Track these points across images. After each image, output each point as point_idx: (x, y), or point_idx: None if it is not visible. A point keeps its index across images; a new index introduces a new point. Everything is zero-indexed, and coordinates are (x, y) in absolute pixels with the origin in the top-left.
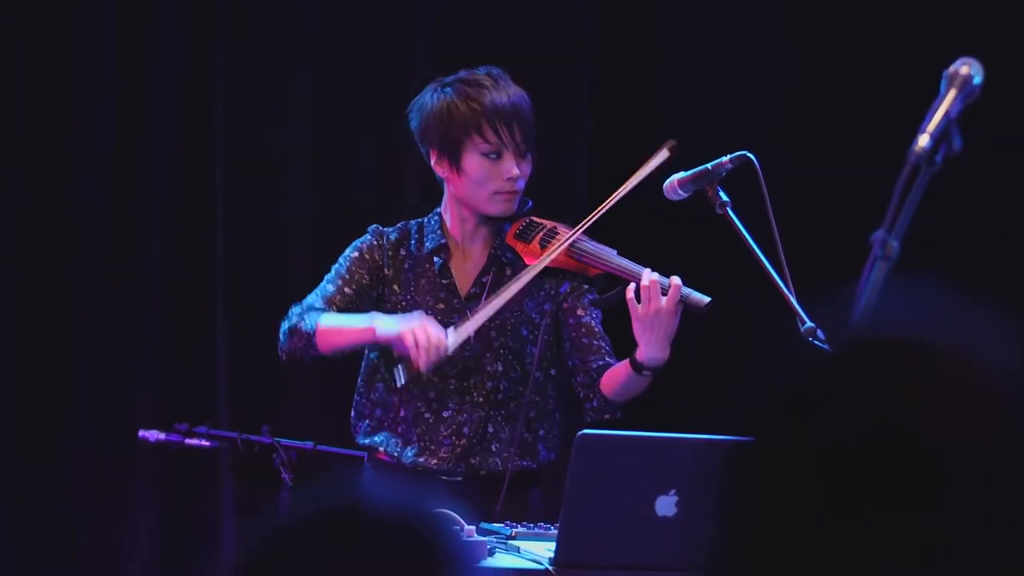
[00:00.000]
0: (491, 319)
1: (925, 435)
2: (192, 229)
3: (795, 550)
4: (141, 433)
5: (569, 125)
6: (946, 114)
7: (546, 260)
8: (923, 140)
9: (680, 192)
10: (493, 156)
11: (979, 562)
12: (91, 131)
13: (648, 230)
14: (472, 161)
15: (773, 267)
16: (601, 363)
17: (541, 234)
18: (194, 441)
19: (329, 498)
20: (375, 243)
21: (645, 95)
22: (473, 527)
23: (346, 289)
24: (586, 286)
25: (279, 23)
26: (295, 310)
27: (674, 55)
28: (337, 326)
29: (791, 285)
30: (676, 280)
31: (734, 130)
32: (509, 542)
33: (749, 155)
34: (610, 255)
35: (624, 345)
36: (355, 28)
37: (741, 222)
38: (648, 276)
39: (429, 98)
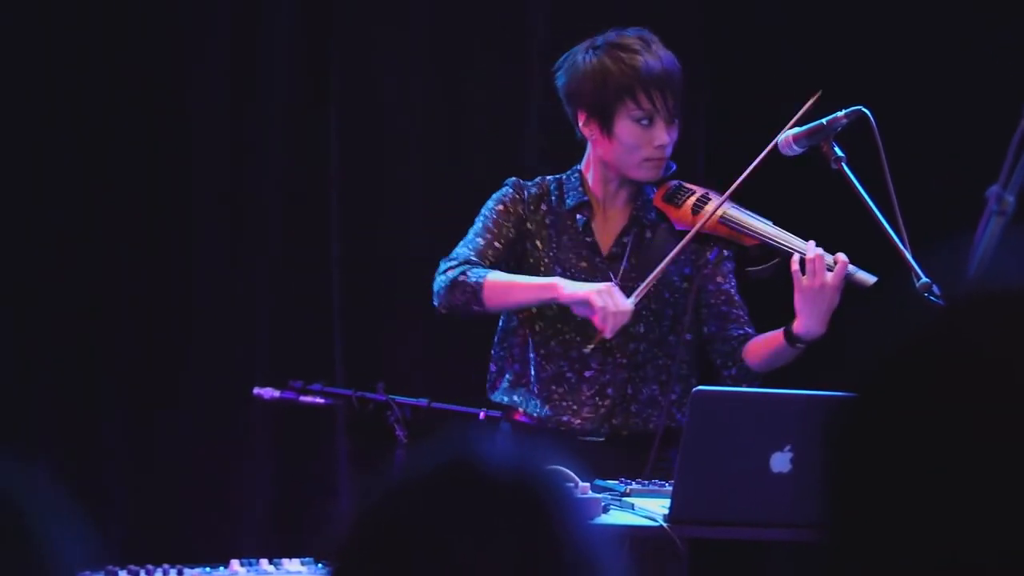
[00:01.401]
0: (634, 281)
1: None
2: (306, 188)
3: (908, 508)
4: (256, 391)
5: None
6: None
7: (702, 224)
8: None
9: (795, 148)
10: (645, 122)
11: None
12: (206, 91)
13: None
14: (624, 126)
15: (888, 223)
16: (741, 332)
17: (692, 199)
18: (309, 399)
19: (443, 454)
20: (516, 196)
21: (759, 49)
22: (587, 484)
23: (496, 243)
24: (727, 253)
25: None
26: (448, 263)
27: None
28: (512, 281)
29: (906, 241)
30: (843, 257)
31: (848, 86)
32: (623, 499)
33: (864, 110)
34: (764, 225)
35: (764, 319)
36: None
37: (856, 177)
38: (813, 250)
39: (581, 59)
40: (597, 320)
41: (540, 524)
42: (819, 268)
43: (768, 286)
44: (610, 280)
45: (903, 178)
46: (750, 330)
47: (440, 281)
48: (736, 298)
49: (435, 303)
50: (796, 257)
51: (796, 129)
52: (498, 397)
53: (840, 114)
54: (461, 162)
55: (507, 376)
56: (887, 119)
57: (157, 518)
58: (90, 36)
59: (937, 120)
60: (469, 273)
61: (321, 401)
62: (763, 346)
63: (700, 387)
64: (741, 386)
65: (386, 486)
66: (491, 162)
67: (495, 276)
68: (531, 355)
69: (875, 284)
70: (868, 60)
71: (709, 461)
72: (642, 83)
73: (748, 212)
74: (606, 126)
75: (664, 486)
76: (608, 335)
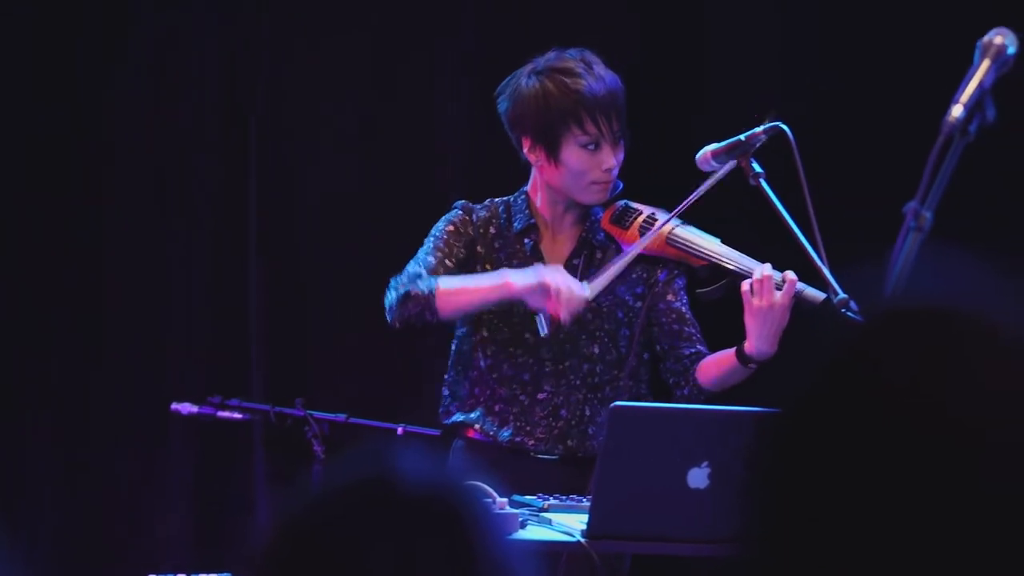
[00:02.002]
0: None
1: (956, 405)
2: (226, 202)
3: (825, 523)
4: (173, 406)
5: None
6: (980, 84)
7: (647, 239)
8: (956, 110)
9: (713, 163)
10: (591, 147)
11: (1014, 534)
12: (129, 99)
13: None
14: (570, 152)
15: (806, 238)
16: (693, 351)
17: (640, 220)
18: (226, 414)
19: (361, 470)
20: (466, 218)
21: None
22: (505, 499)
23: (447, 261)
24: (677, 271)
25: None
26: (399, 279)
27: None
28: (462, 285)
29: (824, 256)
30: (791, 275)
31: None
32: (541, 514)
33: (783, 126)
34: (713, 244)
35: (717, 338)
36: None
37: (775, 193)
38: (763, 270)
39: (523, 84)
40: (551, 305)
41: (458, 539)
42: (768, 288)
43: (722, 305)
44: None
45: (821, 194)
46: (702, 348)
47: (391, 296)
48: (688, 316)
49: (388, 319)
50: (746, 280)
51: (714, 145)
52: (453, 416)
53: (759, 130)
54: (382, 179)
55: (462, 397)
56: (806, 135)
57: (75, 534)
58: (11, 52)
59: (855, 136)
60: (419, 283)
61: (239, 416)
62: (715, 365)
63: (617, 403)
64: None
65: (304, 502)
66: (409, 181)
67: (446, 282)
68: (488, 377)
69: (824, 301)
70: (788, 77)
71: (627, 476)
72: (587, 108)
73: (697, 231)
74: (552, 152)
75: (582, 501)
76: (564, 320)
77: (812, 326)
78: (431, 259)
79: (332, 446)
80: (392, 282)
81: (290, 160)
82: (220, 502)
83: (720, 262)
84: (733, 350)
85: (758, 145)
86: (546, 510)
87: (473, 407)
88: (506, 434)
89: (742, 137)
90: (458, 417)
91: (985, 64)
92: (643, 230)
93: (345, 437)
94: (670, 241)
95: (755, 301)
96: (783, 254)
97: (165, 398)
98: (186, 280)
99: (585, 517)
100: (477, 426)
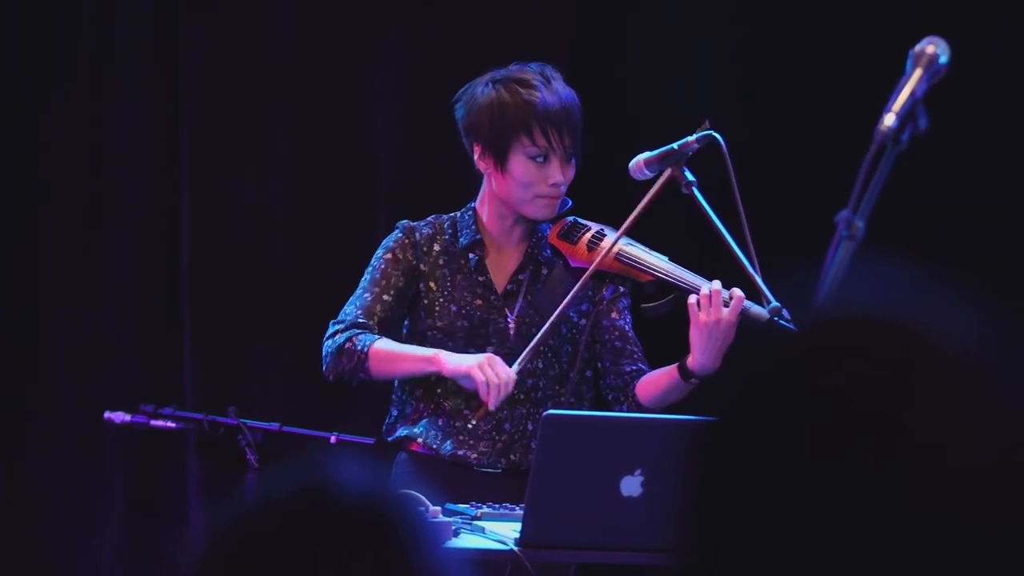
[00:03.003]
0: (532, 317)
1: (889, 414)
2: (157, 208)
3: (758, 531)
4: (107, 415)
5: None
6: (912, 93)
7: (597, 263)
8: (889, 119)
9: (646, 172)
10: (540, 159)
11: (945, 540)
12: (63, 119)
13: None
14: (518, 162)
15: (739, 247)
16: (634, 368)
17: (588, 236)
18: (159, 423)
19: (293, 479)
20: (406, 241)
21: (614, 75)
22: (439, 508)
23: (384, 296)
24: (622, 289)
25: (252, 8)
26: (336, 327)
27: (645, 39)
28: (396, 352)
29: (757, 265)
30: (738, 292)
31: (702, 110)
32: (474, 523)
33: (715, 135)
34: (660, 261)
35: (658, 359)
36: (331, 13)
37: (707, 202)
38: (711, 286)
39: (479, 91)
40: (481, 393)
41: (391, 548)
42: (716, 304)
43: (664, 325)
44: (506, 318)
45: (754, 203)
46: (643, 366)
47: (327, 346)
48: (630, 334)
49: (324, 369)
50: (693, 294)
51: (647, 154)
52: (397, 431)
53: (691, 138)
54: (314, 191)
55: (407, 409)
56: (739, 144)
57: (8, 544)
58: None
59: (788, 145)
60: (356, 340)
61: (172, 425)
62: (655, 382)
63: (550, 411)
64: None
65: (238, 512)
66: (341, 193)
67: (381, 345)
68: (432, 391)
69: (769, 321)
70: (722, 85)
71: (560, 485)
72: (538, 120)
73: (644, 247)
74: (500, 161)
75: (515, 510)
76: (492, 406)
77: (746, 335)
78: (368, 296)
79: (266, 455)
80: (329, 327)
81: (223, 172)
82: (153, 511)
83: (668, 278)
84: (675, 366)
85: (691, 154)
86: (479, 518)
87: (417, 420)
88: (448, 447)
89: (675, 146)
90: (402, 431)
91: (917, 73)
92: (591, 246)
93: (279, 446)
94: (618, 258)
95: (702, 316)
96: (716, 263)
97: (98, 407)
98: (120, 289)
99: (518, 525)
100: (420, 439)
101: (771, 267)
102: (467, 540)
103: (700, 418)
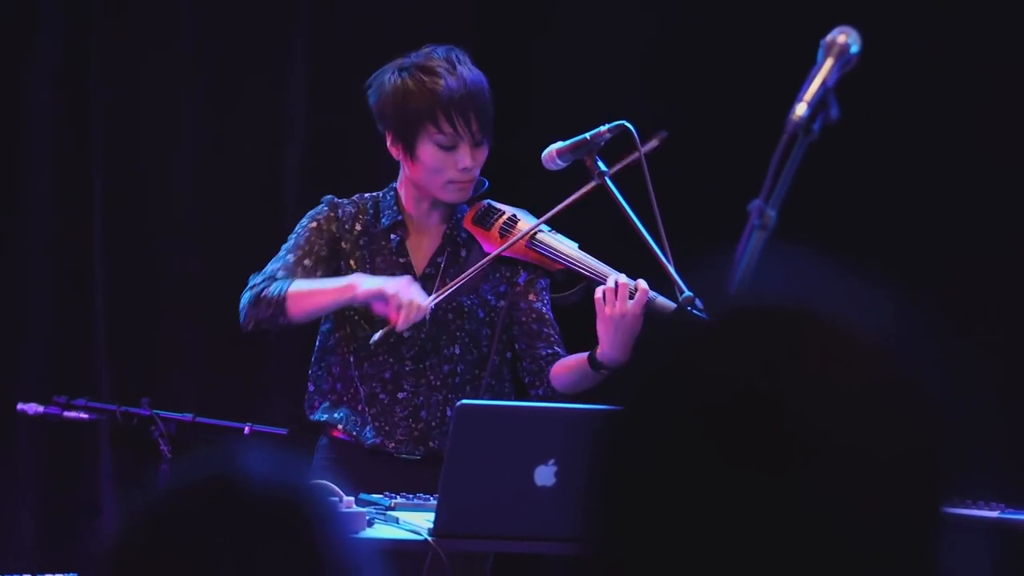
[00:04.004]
0: (448, 302)
1: (798, 404)
2: (70, 202)
3: (662, 521)
4: (20, 406)
5: None
6: (823, 83)
7: (504, 248)
8: (800, 109)
9: (559, 162)
10: (448, 146)
11: (851, 530)
12: None
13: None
14: (426, 150)
15: (652, 237)
16: (550, 351)
17: (500, 222)
18: (73, 414)
19: (202, 468)
20: (331, 214)
21: (525, 66)
22: (352, 498)
23: (305, 261)
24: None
25: (157, 10)
26: (255, 280)
27: (555, 28)
28: (312, 288)
29: (670, 254)
30: (643, 284)
31: (616, 99)
32: (388, 513)
33: (627, 124)
34: (571, 249)
35: (577, 341)
36: (236, 12)
37: (620, 192)
38: (616, 278)
39: (387, 79)
40: (391, 313)
41: (301, 539)
42: (621, 297)
43: (583, 309)
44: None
45: (666, 192)
46: (560, 350)
47: (245, 298)
48: (548, 317)
49: (241, 320)
50: (601, 287)
51: (559, 144)
52: (318, 416)
53: (603, 128)
54: (229, 178)
55: (327, 394)
56: (650, 132)
57: None
58: None
59: (700, 134)
60: (272, 286)
61: (85, 416)
62: (567, 369)
63: (464, 400)
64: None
65: (148, 502)
66: (255, 181)
67: (297, 285)
68: (351, 372)
69: (675, 311)
70: (636, 73)
71: (474, 474)
72: (443, 107)
73: (557, 235)
74: (409, 148)
75: (429, 500)
76: (399, 327)
77: (659, 324)
78: (290, 257)
79: (179, 445)
80: (249, 280)
81: (136, 158)
82: (67, 502)
83: (576, 267)
84: (586, 355)
85: (603, 143)
86: (393, 508)
87: (337, 405)
88: (369, 435)
89: (587, 136)
90: (323, 416)
91: (829, 62)
92: (503, 231)
93: (192, 436)
94: (530, 245)
95: (607, 309)
96: (629, 253)
97: (11, 398)
98: (31, 279)
99: (432, 515)
100: (340, 426)
101: (683, 257)
102: (381, 530)
103: (612, 407)
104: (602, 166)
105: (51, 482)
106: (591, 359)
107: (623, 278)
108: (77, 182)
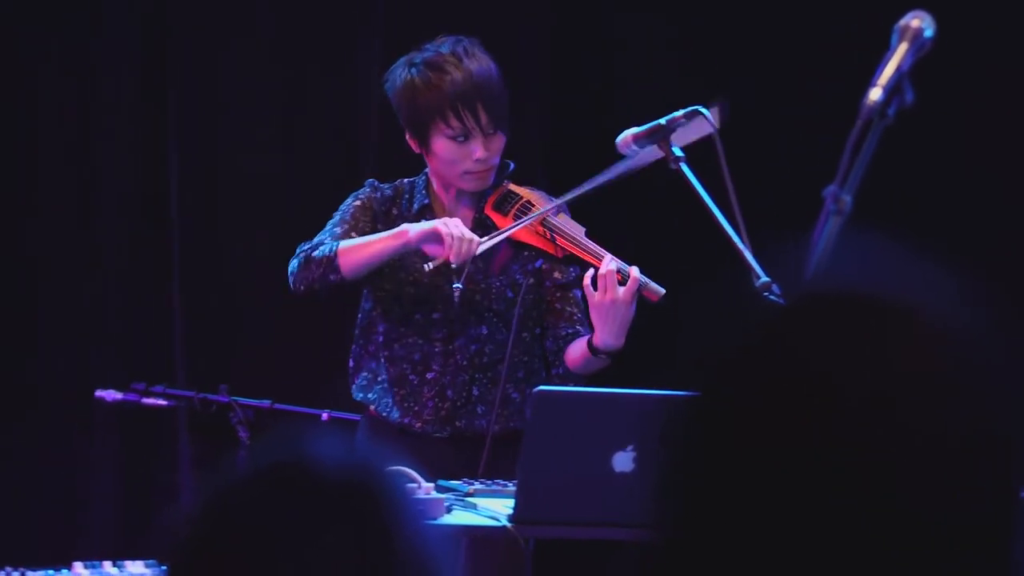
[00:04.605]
0: (477, 283)
1: (873, 389)
2: (148, 190)
3: (738, 508)
4: (98, 393)
5: (527, 94)
6: (898, 67)
7: (516, 227)
8: (875, 93)
9: (634, 147)
10: (460, 139)
11: (921, 515)
12: (49, 94)
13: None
14: (439, 143)
15: (728, 222)
16: (571, 331)
17: (516, 207)
18: (151, 400)
19: (276, 453)
20: (373, 195)
21: (600, 54)
22: (431, 485)
23: (352, 233)
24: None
25: None
26: (303, 247)
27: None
28: (362, 241)
29: (746, 240)
30: (635, 271)
31: (692, 85)
32: (467, 499)
33: (702, 110)
34: (577, 234)
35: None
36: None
37: (696, 177)
38: (606, 265)
39: (398, 75)
40: (443, 251)
41: (372, 524)
42: (610, 284)
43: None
44: (457, 286)
45: (742, 178)
46: (581, 328)
47: (294, 263)
48: (572, 294)
49: (291, 284)
50: (589, 272)
51: (635, 129)
52: (355, 393)
53: (678, 114)
54: (305, 163)
55: (364, 373)
56: (728, 119)
57: (1, 522)
58: None
59: (777, 119)
60: (320, 247)
61: (164, 403)
62: (575, 352)
63: (541, 387)
64: (569, 385)
65: (220, 485)
66: (332, 164)
67: (348, 242)
68: (380, 354)
69: (663, 296)
70: (710, 60)
71: (552, 461)
72: (450, 103)
73: (569, 220)
74: (423, 143)
75: (507, 486)
76: (453, 261)
77: (736, 309)
78: (338, 230)
79: (257, 432)
80: (297, 249)
81: (213, 146)
82: (145, 489)
83: (577, 251)
84: (587, 340)
85: (678, 129)
86: (472, 495)
87: (371, 385)
88: (396, 415)
89: (663, 121)
90: (359, 394)
91: (903, 47)
92: (516, 218)
93: (270, 423)
94: (544, 224)
95: (597, 296)
96: (706, 238)
97: (90, 385)
98: (110, 266)
99: (511, 502)
100: (373, 406)
101: (760, 242)
102: (459, 517)
103: (691, 393)
104: (677, 151)
105: (129, 469)
106: (590, 344)
107: (613, 264)
108: (154, 170)
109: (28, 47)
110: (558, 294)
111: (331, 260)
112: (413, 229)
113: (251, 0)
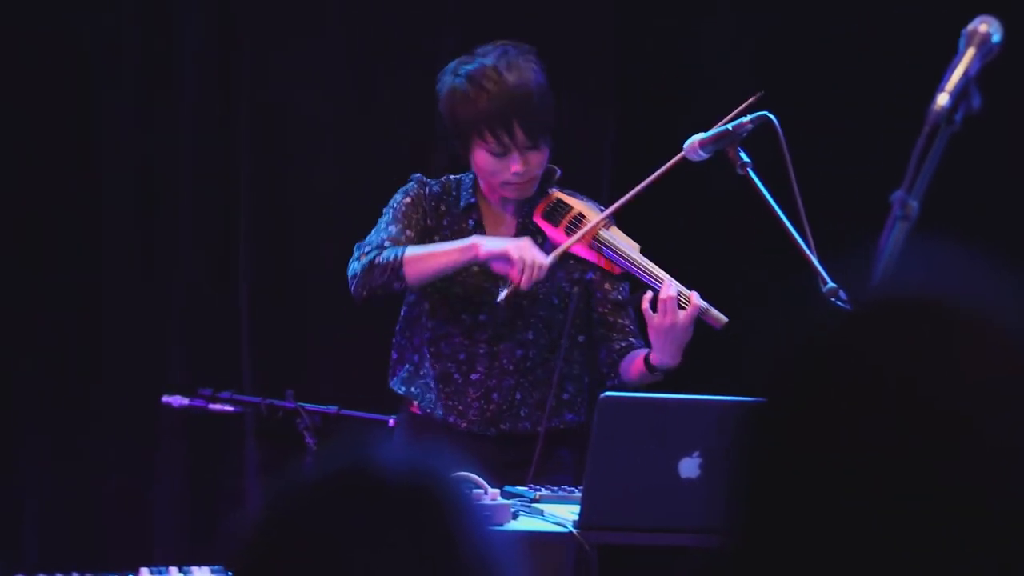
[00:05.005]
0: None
1: (941, 395)
2: (217, 197)
3: (808, 513)
4: (164, 399)
5: (596, 101)
6: (965, 73)
7: (571, 243)
8: (942, 99)
9: (701, 153)
10: (499, 153)
11: (993, 521)
12: (117, 104)
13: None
14: (479, 155)
15: (795, 227)
16: (624, 344)
17: (567, 220)
18: (218, 406)
19: (340, 458)
20: (421, 191)
21: (669, 59)
22: (497, 490)
23: (407, 231)
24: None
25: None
26: (362, 249)
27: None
28: (430, 250)
29: (812, 245)
30: (696, 297)
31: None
32: (533, 505)
33: (769, 115)
34: (630, 251)
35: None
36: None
37: (762, 182)
38: (667, 290)
39: (445, 83)
40: (515, 272)
41: (436, 530)
42: (670, 308)
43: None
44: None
45: (809, 183)
46: (634, 341)
47: (356, 266)
48: (624, 306)
49: (352, 289)
50: (648, 295)
51: (702, 135)
52: (396, 386)
53: (745, 119)
54: (371, 171)
55: (406, 366)
56: (793, 124)
57: (68, 526)
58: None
59: (842, 125)
60: (384, 252)
61: (230, 409)
62: (631, 367)
63: (607, 393)
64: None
65: (286, 492)
66: (399, 172)
67: (413, 249)
68: (425, 351)
69: (726, 324)
70: (776, 66)
71: (617, 467)
72: (488, 123)
73: (621, 236)
74: (465, 151)
75: (574, 492)
76: (524, 286)
77: (802, 315)
78: (392, 228)
79: (324, 438)
80: (355, 250)
81: (281, 154)
82: (212, 495)
83: (633, 271)
84: (643, 357)
85: (745, 134)
86: (538, 501)
87: (413, 379)
88: (440, 412)
89: (729, 126)
90: (400, 387)
91: (970, 52)
92: (569, 230)
93: (336, 429)
94: (595, 245)
95: (656, 319)
96: (772, 243)
97: (156, 391)
98: (177, 274)
99: (577, 508)
100: (416, 402)
101: (826, 248)
102: (526, 523)
103: (758, 399)
104: (744, 157)
105: (196, 475)
106: (646, 362)
107: (674, 289)
108: (222, 178)
109: (97, 59)
110: (609, 306)
111: (397, 269)
112: (484, 246)
113: (320, 7)
